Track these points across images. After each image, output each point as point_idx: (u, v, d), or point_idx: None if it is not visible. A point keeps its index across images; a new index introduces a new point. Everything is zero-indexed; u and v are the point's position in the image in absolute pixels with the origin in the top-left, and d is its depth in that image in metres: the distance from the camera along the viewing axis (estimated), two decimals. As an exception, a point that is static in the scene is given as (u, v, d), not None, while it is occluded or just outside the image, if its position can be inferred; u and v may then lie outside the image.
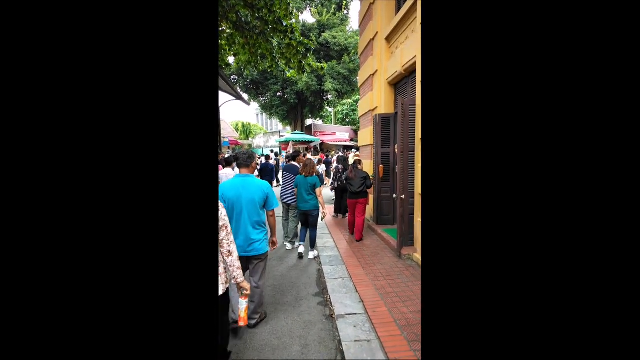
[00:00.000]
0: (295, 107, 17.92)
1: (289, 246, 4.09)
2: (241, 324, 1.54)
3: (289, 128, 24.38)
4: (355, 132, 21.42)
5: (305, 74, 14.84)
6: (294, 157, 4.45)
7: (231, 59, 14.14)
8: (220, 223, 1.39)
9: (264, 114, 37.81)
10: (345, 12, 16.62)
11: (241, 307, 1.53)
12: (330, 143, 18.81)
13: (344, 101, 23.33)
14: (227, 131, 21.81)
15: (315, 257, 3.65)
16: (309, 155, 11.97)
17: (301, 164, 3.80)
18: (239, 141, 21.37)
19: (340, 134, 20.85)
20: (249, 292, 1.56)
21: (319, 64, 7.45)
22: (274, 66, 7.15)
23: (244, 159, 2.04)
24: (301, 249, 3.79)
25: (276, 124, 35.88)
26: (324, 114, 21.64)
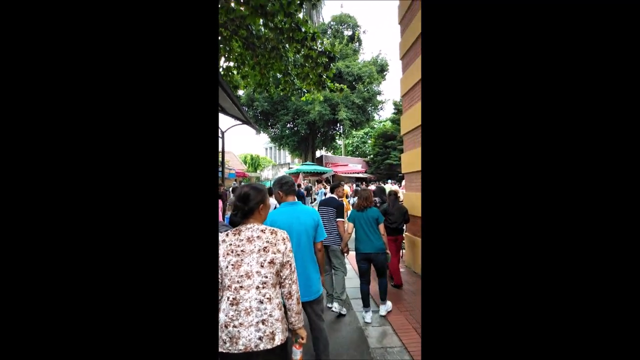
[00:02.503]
0: (306, 138, 17.12)
1: (336, 308, 2.83)
2: None
3: (297, 160, 23.60)
4: (368, 163, 20.35)
5: (318, 104, 14.25)
6: (333, 188, 3.48)
7: (241, 92, 13.74)
8: (285, 259, 1.18)
9: (273, 147, 37.88)
10: (357, 44, 16.55)
11: (295, 357, 1.29)
12: (343, 175, 17.62)
13: (356, 132, 22.72)
14: (235, 163, 21.04)
15: (388, 312, 2.73)
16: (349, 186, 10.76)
17: (343, 196, 3.20)
18: (247, 173, 20.45)
19: (352, 165, 19.79)
20: (304, 341, 1.29)
21: (338, 85, 6.49)
22: (288, 88, 6.14)
23: (289, 185, 1.83)
24: (368, 318, 2.64)
25: (285, 156, 35.49)
26: (335, 145, 20.80)
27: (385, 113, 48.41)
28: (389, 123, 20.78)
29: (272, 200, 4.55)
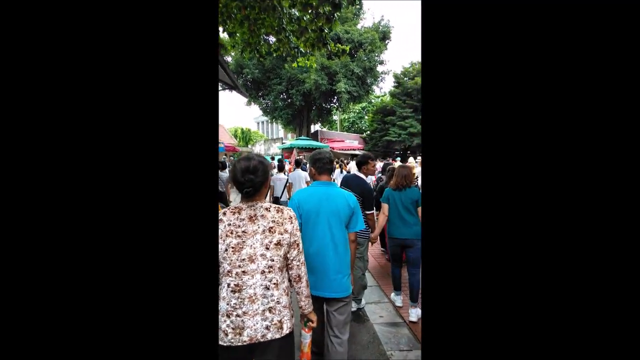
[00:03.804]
0: (301, 111, 16.01)
1: (353, 306, 2.33)
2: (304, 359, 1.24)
3: (290, 135, 22.56)
4: (365, 140, 19.55)
5: (314, 72, 13.02)
6: (360, 163, 2.39)
7: (228, 59, 12.28)
8: (292, 239, 1.06)
9: (265, 122, 36.22)
10: (357, 7, 14.98)
11: (304, 340, 1.22)
12: (339, 151, 16.86)
13: (354, 107, 21.57)
14: (224, 136, 19.91)
15: (419, 319, 2.27)
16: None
17: (372, 174, 2.69)
18: (238, 148, 19.44)
19: (349, 142, 18.98)
20: (314, 325, 1.21)
21: (340, 46, 5.55)
22: (282, 48, 5.16)
23: (323, 162, 1.54)
24: (399, 301, 2.50)
25: (277, 130, 34.14)
26: (330, 120, 19.76)
27: (384, 86, 46.74)
28: (388, 97, 19.71)
29: (303, 174, 4.33)
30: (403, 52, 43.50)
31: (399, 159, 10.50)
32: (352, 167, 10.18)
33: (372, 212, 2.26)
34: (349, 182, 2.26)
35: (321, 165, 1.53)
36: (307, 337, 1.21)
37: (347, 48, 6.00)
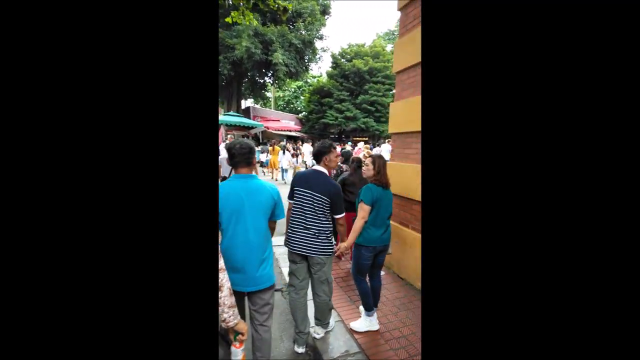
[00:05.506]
0: (230, 82, 13.97)
1: (317, 334, 1.90)
2: None
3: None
4: (301, 121, 18.75)
5: (246, 38, 11.19)
6: (320, 153, 1.73)
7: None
8: None
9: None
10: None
11: (236, 358, 1.07)
12: (275, 132, 15.64)
13: (290, 84, 20.27)
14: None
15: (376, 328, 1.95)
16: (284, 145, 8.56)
17: (338, 168, 2.28)
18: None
19: (285, 122, 17.86)
20: (245, 337, 1.07)
21: (281, 2, 4.51)
22: None
23: (243, 153, 1.35)
24: (376, 324, 1.95)
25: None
26: (264, 96, 18.12)
27: (322, 66, 46.08)
28: (325, 78, 19.16)
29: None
30: (341, 32, 43.41)
31: (382, 145, 8.80)
32: (306, 151, 8.86)
33: (342, 216, 1.73)
34: (310, 181, 1.67)
35: (237, 158, 1.36)
36: (238, 354, 1.08)
37: (290, 6, 4.97)
